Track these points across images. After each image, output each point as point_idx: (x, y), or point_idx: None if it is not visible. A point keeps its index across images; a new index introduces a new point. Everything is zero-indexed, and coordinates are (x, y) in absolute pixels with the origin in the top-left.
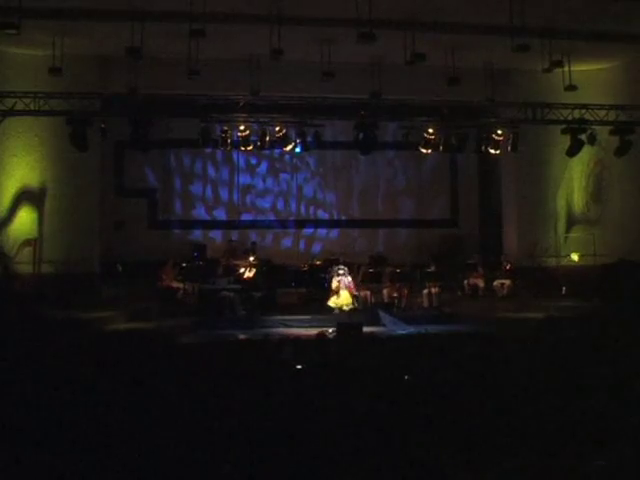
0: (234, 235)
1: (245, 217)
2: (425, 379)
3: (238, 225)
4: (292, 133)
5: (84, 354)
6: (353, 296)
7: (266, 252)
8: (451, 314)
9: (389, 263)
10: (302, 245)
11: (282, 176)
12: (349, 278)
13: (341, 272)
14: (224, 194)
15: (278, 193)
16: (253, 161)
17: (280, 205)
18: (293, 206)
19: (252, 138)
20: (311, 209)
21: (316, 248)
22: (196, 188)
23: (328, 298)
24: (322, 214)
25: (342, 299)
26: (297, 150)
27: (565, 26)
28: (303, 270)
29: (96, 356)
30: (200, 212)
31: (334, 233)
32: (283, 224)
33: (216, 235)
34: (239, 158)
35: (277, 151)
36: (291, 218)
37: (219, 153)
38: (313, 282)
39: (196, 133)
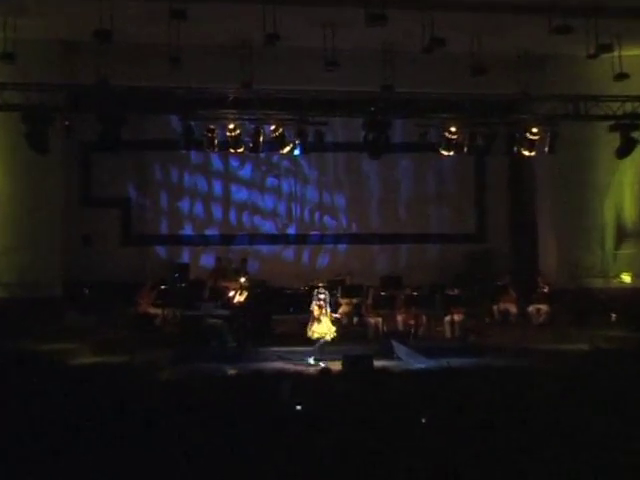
0: (224, 252)
1: (235, 231)
2: (447, 423)
3: (227, 240)
4: (290, 133)
5: (41, 394)
6: (333, 321)
7: (261, 271)
8: (478, 345)
9: (404, 285)
10: (305, 262)
11: (276, 183)
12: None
13: (322, 296)
14: (211, 204)
15: (274, 203)
16: (245, 166)
17: (277, 216)
18: (295, 216)
19: (243, 139)
20: (315, 217)
21: (321, 263)
22: (177, 197)
23: (307, 327)
24: (318, 230)
25: (324, 327)
26: (296, 152)
27: (615, 2)
28: (303, 293)
29: (56, 397)
30: (182, 225)
31: (340, 249)
32: (280, 239)
33: (202, 252)
34: (228, 162)
35: (273, 154)
36: (289, 231)
37: (204, 156)
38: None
39: (177, 133)
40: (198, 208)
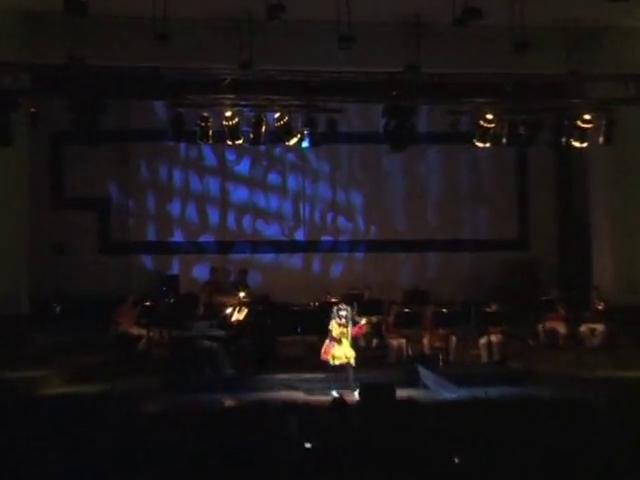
0: (220, 262)
1: (234, 237)
2: (484, 463)
3: (224, 248)
4: (297, 121)
5: (5, 430)
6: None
7: (263, 285)
8: (521, 372)
9: (432, 300)
10: (315, 273)
11: (281, 180)
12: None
13: (343, 313)
14: (205, 206)
15: (279, 203)
16: (243, 160)
17: (282, 219)
18: (303, 218)
19: (242, 129)
20: (327, 220)
21: (335, 274)
22: (165, 198)
23: (323, 349)
24: (331, 235)
25: (345, 350)
26: (304, 145)
27: None
28: (313, 309)
29: (23, 433)
30: (172, 231)
31: (357, 257)
32: (285, 246)
33: (195, 262)
34: (225, 156)
35: (277, 146)
36: (297, 237)
37: (196, 150)
38: (327, 327)
39: (164, 122)
40: (190, 210)
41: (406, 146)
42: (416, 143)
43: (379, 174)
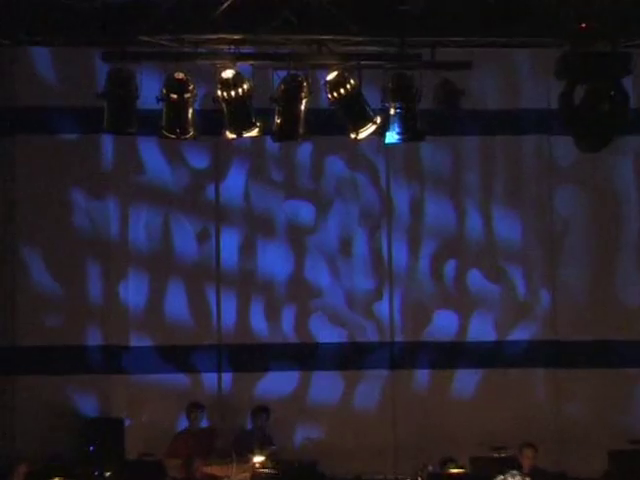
0: (206, 394)
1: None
2: None
3: (231, 363)
4: (373, 93)
5: None
6: None
7: (304, 441)
8: None
9: None
10: (410, 414)
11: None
12: None
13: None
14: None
15: (334, 269)
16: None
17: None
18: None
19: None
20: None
21: (456, 420)
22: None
23: None
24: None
25: None
26: (390, 138)
27: None
28: None
29: None
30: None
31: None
32: (347, 358)
33: (155, 395)
34: (216, 156)
35: (331, 143)
36: (371, 337)
37: (156, 151)
38: None
39: (89, 96)
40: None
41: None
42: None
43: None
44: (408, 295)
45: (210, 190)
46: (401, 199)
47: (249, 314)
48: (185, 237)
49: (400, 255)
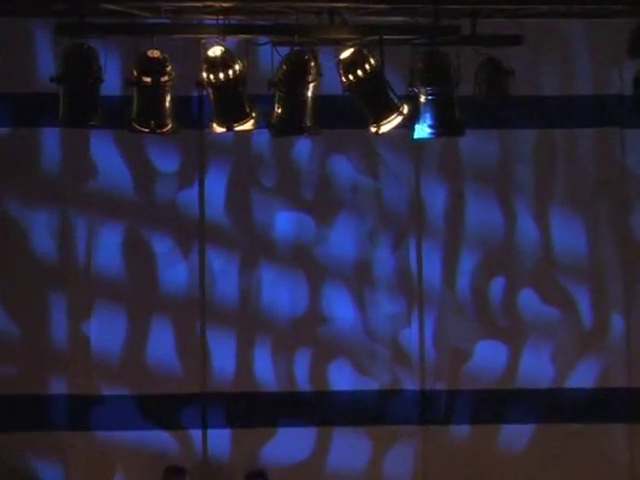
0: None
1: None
2: None
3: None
4: (396, 75)
5: None
6: None
7: None
8: None
9: None
10: None
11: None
12: None
13: None
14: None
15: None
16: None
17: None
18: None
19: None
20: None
21: None
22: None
23: None
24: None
25: None
26: (420, 133)
27: None
28: None
29: None
30: None
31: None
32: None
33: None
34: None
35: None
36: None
37: (108, 141)
38: None
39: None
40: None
41: None
42: None
43: None
44: (442, 323)
45: (186, 200)
46: (434, 202)
47: (246, 356)
48: (160, 260)
49: (432, 272)
